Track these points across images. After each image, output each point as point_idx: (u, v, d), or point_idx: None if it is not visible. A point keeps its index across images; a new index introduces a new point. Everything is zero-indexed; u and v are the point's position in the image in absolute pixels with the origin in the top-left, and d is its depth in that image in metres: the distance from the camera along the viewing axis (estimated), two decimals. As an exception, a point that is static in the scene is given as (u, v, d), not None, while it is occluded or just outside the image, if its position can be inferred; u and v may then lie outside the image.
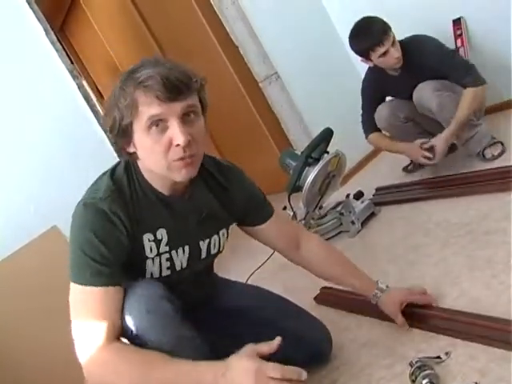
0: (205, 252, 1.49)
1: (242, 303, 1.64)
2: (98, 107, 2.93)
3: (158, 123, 1.22)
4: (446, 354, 1.38)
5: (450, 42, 2.80)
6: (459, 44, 2.88)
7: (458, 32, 2.89)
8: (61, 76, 2.70)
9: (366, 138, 2.90)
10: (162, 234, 1.36)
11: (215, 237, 1.51)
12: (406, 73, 2.59)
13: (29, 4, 2.66)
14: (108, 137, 1.36)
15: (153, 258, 1.35)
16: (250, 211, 1.59)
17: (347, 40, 2.64)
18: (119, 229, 1.26)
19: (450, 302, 1.59)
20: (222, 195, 1.50)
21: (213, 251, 1.52)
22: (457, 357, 1.36)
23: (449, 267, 1.79)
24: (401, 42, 2.55)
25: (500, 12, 2.66)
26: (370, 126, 2.86)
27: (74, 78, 2.74)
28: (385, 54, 2.50)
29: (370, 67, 2.73)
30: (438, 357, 1.38)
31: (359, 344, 1.67)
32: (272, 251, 2.65)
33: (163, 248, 1.37)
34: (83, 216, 1.26)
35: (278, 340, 1.21)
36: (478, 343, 1.36)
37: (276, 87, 3.32)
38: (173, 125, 1.22)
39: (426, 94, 2.49)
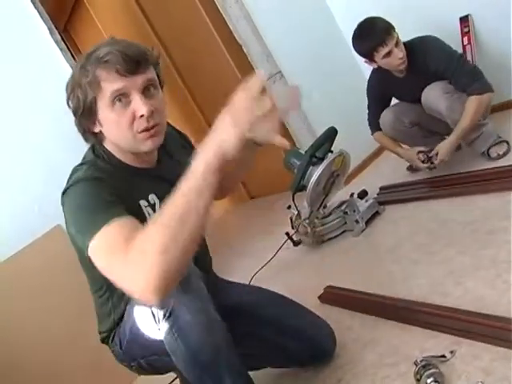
0: None
1: (244, 302, 1.64)
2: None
3: (121, 98, 1.27)
4: (451, 352, 1.38)
5: (456, 40, 2.80)
6: (466, 42, 2.87)
7: (465, 29, 2.88)
8: (65, 75, 2.68)
9: (372, 135, 2.93)
10: (153, 198, 1.41)
11: None
12: (411, 75, 2.57)
13: (33, 4, 2.66)
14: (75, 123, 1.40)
15: None
16: None
17: (351, 39, 2.62)
18: (112, 189, 1.26)
19: (454, 301, 1.58)
20: (179, 145, 1.60)
21: None
22: (461, 356, 1.36)
23: (453, 266, 1.78)
24: (406, 43, 2.52)
25: (506, 10, 2.65)
26: (374, 124, 2.87)
27: (79, 77, 2.74)
28: (388, 54, 2.47)
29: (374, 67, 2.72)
30: (443, 356, 1.37)
31: (363, 343, 1.67)
32: (277, 250, 2.68)
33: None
34: (73, 192, 1.26)
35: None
36: (482, 342, 1.36)
37: (280, 86, 3.31)
38: (135, 98, 1.28)
39: (435, 96, 2.47)
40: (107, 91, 1.26)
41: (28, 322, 2.25)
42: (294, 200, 2.64)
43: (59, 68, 2.71)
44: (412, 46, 2.52)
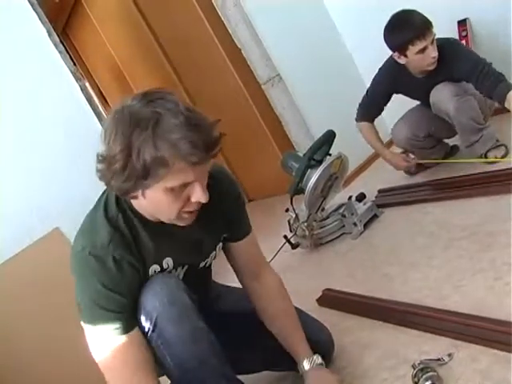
0: (203, 265, 1.50)
1: (241, 306, 1.63)
2: (101, 109, 2.93)
3: (185, 184, 1.18)
4: (449, 355, 1.38)
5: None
6: (464, 45, 2.87)
7: (463, 33, 2.89)
8: (64, 77, 2.71)
9: (357, 121, 2.88)
10: (167, 263, 1.34)
11: (213, 253, 1.51)
12: (432, 77, 2.51)
13: (32, 6, 2.66)
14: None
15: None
16: (236, 222, 1.55)
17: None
18: (129, 273, 1.24)
19: (452, 304, 1.58)
20: (215, 204, 1.38)
21: (209, 263, 1.53)
22: (459, 359, 1.36)
23: (452, 269, 1.79)
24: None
25: (504, 14, 2.66)
26: (365, 113, 2.84)
27: (77, 79, 2.74)
28: (423, 50, 2.38)
29: (392, 60, 2.60)
30: (441, 359, 1.37)
31: (362, 346, 1.67)
32: (275, 253, 2.68)
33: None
34: (88, 266, 1.22)
35: None
36: (481, 345, 1.36)
37: (278, 89, 3.32)
38: (196, 186, 1.19)
39: (444, 97, 2.45)
40: (176, 181, 1.15)
41: (26, 324, 2.24)
42: (292, 203, 2.64)
43: (58, 70, 2.70)
44: (441, 49, 2.43)
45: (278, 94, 3.33)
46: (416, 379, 1.32)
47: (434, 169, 2.81)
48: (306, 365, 1.46)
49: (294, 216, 2.68)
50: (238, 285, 1.75)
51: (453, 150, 2.89)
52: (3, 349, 2.20)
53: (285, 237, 2.76)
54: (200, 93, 4.04)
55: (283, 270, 2.61)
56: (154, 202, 1.21)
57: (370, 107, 2.82)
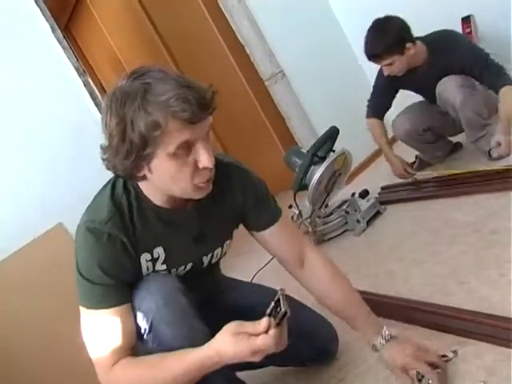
0: (207, 263, 1.47)
1: (248, 301, 1.63)
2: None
3: (185, 146, 1.13)
4: (453, 352, 1.37)
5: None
6: (468, 42, 2.87)
7: (467, 30, 2.89)
8: (67, 73, 2.71)
9: (366, 118, 2.93)
10: (158, 252, 1.32)
11: (218, 249, 1.48)
12: (430, 70, 2.54)
13: (35, 1, 2.66)
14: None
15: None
16: (252, 213, 1.49)
17: (353, 39, 2.61)
18: (121, 254, 1.24)
19: (457, 301, 1.58)
20: (223, 196, 1.41)
21: (214, 260, 1.49)
22: (464, 356, 1.36)
23: (456, 266, 1.78)
24: (427, 39, 2.52)
25: (508, 10, 2.65)
26: (373, 110, 2.88)
27: (80, 75, 2.74)
28: (390, 63, 2.51)
29: None
30: (445, 355, 1.37)
31: (366, 343, 1.66)
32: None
33: (159, 266, 1.33)
34: (86, 242, 1.23)
35: (265, 320, 1.14)
36: (485, 342, 1.35)
37: (281, 86, 3.32)
38: (199, 147, 1.15)
39: (451, 88, 2.45)
40: (174, 142, 1.11)
41: (28, 319, 2.25)
42: (295, 199, 2.64)
43: (61, 66, 2.70)
44: (435, 44, 2.50)
45: (282, 90, 3.33)
46: (420, 376, 1.31)
47: (438, 165, 2.81)
48: (379, 342, 1.42)
49: (297, 212, 2.68)
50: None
51: (456, 147, 2.89)
52: (4, 343, 2.20)
53: (288, 233, 2.75)
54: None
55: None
56: (164, 173, 1.18)
57: (377, 103, 2.85)
